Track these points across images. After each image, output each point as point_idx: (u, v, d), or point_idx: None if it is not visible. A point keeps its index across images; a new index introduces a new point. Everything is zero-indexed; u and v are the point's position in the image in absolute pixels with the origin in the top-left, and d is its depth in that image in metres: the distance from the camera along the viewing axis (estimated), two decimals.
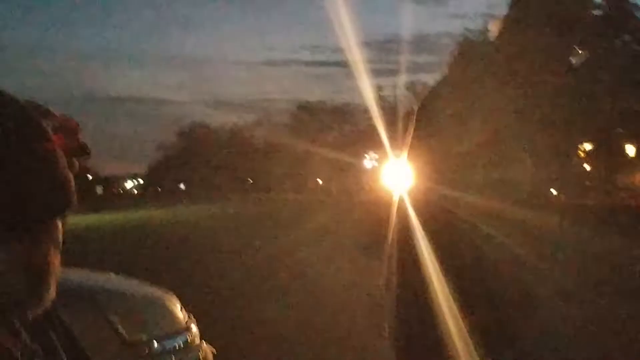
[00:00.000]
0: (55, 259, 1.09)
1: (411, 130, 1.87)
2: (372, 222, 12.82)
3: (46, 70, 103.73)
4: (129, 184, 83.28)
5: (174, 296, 3.74)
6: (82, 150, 1.56)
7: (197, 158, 64.75)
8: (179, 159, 68.13)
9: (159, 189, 72.99)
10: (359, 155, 39.37)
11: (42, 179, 1.15)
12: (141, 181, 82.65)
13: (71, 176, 1.20)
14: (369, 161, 36.88)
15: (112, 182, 77.14)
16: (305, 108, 60.87)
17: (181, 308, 3.66)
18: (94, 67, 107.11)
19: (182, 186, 68.76)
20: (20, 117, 1.23)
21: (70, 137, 1.55)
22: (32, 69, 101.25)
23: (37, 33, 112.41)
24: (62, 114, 1.63)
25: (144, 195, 71.13)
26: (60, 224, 1.12)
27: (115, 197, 62.92)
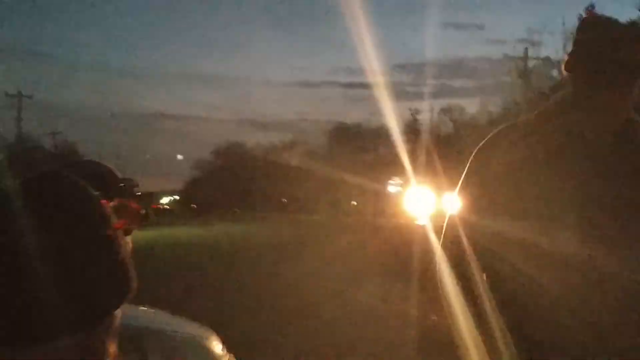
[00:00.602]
0: (112, 348, 1.10)
1: (465, 172, 1.82)
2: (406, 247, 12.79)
3: (88, 85, 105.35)
4: (164, 200, 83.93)
5: (214, 334, 3.77)
6: (143, 221, 1.60)
7: (233, 177, 65.11)
8: (214, 177, 68.60)
9: (194, 207, 73.40)
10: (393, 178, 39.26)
11: (104, 269, 1.16)
12: (177, 197, 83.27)
13: (130, 261, 1.21)
14: (393, 187, 36.46)
15: (148, 199, 77.80)
16: (341, 130, 61.00)
17: (222, 347, 3.69)
18: (135, 84, 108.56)
19: (217, 204, 69.15)
20: (84, 204, 1.24)
21: (133, 219, 1.58)
22: (74, 82, 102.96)
23: (77, 49, 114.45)
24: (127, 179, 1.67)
25: (182, 212, 71.53)
26: (117, 312, 1.13)
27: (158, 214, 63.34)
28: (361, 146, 57.05)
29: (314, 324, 8.25)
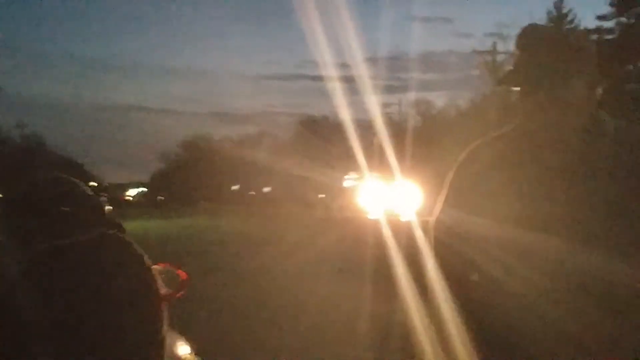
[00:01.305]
0: None
1: (450, 178, 1.94)
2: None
3: (56, 77, 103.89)
4: (132, 192, 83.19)
5: (182, 337, 3.79)
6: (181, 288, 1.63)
7: (200, 169, 64.74)
8: (181, 169, 68.17)
9: (162, 198, 72.90)
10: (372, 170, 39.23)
11: (145, 337, 1.21)
12: (145, 189, 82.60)
13: (165, 337, 1.26)
14: (348, 181, 36.49)
15: (115, 190, 77.08)
16: (309, 122, 60.95)
17: (190, 351, 3.70)
18: (102, 76, 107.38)
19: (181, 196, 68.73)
20: (137, 270, 1.28)
21: (179, 287, 1.63)
22: (43, 74, 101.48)
23: (49, 40, 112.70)
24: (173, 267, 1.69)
25: (148, 204, 70.98)
26: None
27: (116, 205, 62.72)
28: (328, 139, 57.08)
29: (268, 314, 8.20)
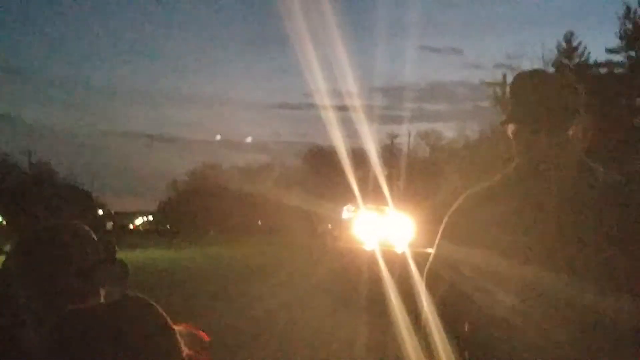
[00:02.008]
0: None
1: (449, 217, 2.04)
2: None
3: (64, 104, 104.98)
4: (138, 221, 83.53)
5: None
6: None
7: (208, 198, 65.01)
8: (189, 197, 68.43)
9: (169, 227, 73.12)
10: (372, 202, 39.48)
11: None
12: (151, 218, 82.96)
13: None
14: (347, 212, 37.38)
15: (122, 218, 77.41)
16: (316, 152, 61.34)
17: None
18: (110, 103, 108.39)
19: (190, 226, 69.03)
20: (165, 338, 1.26)
21: (201, 350, 1.61)
22: (51, 101, 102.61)
23: (57, 67, 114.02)
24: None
25: (153, 233, 71.24)
26: None
27: (126, 234, 63.01)
28: (336, 169, 57.36)
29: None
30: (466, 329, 1.85)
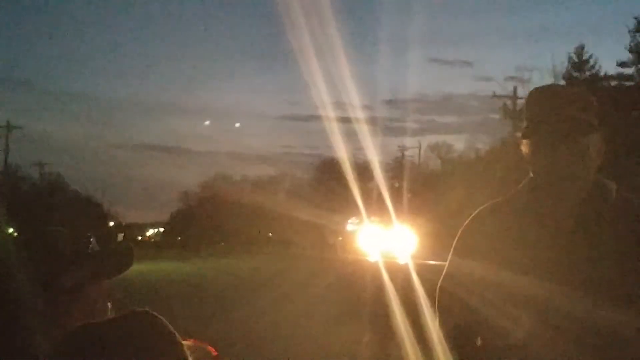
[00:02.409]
0: None
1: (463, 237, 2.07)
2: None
3: (76, 115, 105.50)
4: (149, 233, 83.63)
5: None
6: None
7: (219, 210, 65.02)
8: (200, 209, 68.47)
9: (180, 239, 73.16)
10: (377, 214, 39.44)
11: None
12: (162, 229, 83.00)
13: None
14: (351, 225, 37.69)
15: (134, 230, 77.54)
16: (328, 164, 61.24)
17: None
18: (121, 115, 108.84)
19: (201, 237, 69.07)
20: (173, 353, 1.28)
21: None
22: (62, 113, 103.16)
23: (67, 79, 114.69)
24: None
25: (164, 245, 71.33)
26: None
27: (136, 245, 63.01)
28: (346, 181, 57.26)
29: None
30: (478, 345, 1.84)
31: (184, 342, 1.47)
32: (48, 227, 1.78)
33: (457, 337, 1.86)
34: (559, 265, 1.74)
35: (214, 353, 1.73)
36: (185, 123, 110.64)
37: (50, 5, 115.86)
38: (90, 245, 1.76)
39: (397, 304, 8.45)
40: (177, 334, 1.30)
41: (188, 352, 1.36)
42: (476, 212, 2.01)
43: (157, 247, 64.40)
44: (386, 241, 20.20)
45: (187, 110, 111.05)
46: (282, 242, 58.31)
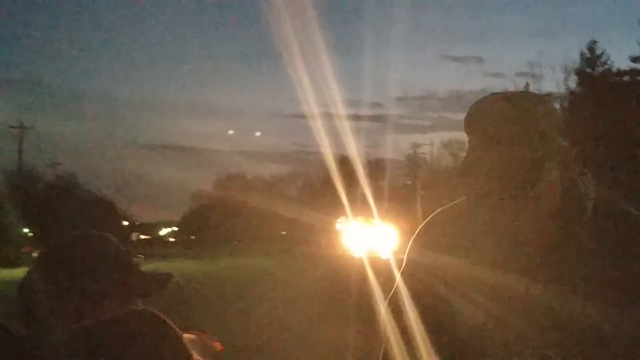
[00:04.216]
0: None
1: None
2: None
3: (90, 115, 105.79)
4: (163, 232, 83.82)
5: None
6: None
7: (233, 208, 65.13)
8: (214, 208, 68.61)
9: (193, 238, 73.32)
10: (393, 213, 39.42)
11: None
12: (176, 229, 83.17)
13: None
14: (339, 224, 38.70)
15: (147, 229, 77.77)
16: (340, 162, 61.24)
17: None
18: (133, 114, 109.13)
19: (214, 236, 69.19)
20: (168, 342, 1.30)
21: (212, 357, 1.66)
22: (75, 113, 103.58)
23: (80, 79, 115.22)
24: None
25: (178, 244, 71.51)
26: None
27: (147, 245, 63.23)
28: (361, 179, 57.13)
29: None
30: (443, 331, 1.77)
31: (189, 336, 1.49)
32: (90, 232, 1.73)
33: (430, 323, 1.79)
34: (535, 260, 1.69)
35: (219, 348, 1.74)
36: (197, 122, 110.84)
37: (63, 5, 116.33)
38: (136, 260, 1.73)
39: (377, 294, 8.74)
40: (177, 330, 1.32)
41: (192, 346, 1.38)
42: (450, 205, 1.91)
43: (170, 246, 64.59)
44: (370, 238, 22.64)
45: (198, 109, 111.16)
46: (296, 241, 58.31)
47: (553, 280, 1.67)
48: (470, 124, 1.77)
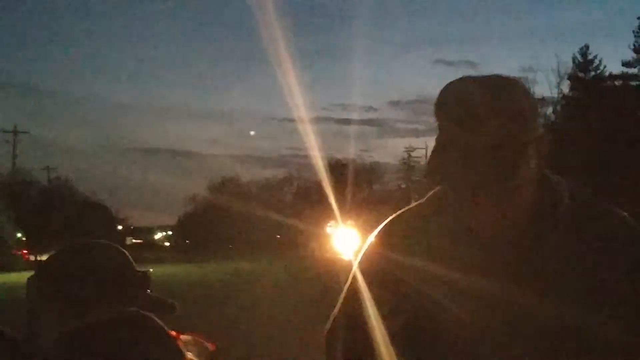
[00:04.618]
0: None
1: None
2: None
3: (83, 119, 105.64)
4: (157, 236, 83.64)
5: None
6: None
7: (227, 213, 64.97)
8: (208, 212, 68.45)
9: (187, 242, 73.15)
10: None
11: None
12: (170, 233, 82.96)
13: None
14: (330, 228, 39.50)
15: (142, 233, 77.65)
16: (335, 166, 61.14)
17: None
18: (127, 118, 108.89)
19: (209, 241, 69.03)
20: (161, 346, 1.32)
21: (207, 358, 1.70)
22: (69, 117, 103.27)
23: (76, 82, 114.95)
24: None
25: (172, 248, 71.33)
26: None
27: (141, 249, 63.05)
28: (355, 183, 57.20)
29: None
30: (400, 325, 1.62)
31: (184, 337, 1.51)
32: (93, 243, 1.68)
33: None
34: (509, 263, 1.53)
35: (212, 348, 1.77)
36: (192, 126, 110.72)
37: (56, 9, 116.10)
38: (141, 273, 1.68)
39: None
40: (166, 330, 1.34)
41: (186, 347, 1.41)
42: (414, 204, 1.73)
43: (164, 250, 64.35)
44: (357, 241, 24.03)
45: (194, 113, 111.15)
46: (290, 244, 58.26)
47: (529, 281, 1.54)
48: (440, 106, 1.55)
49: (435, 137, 1.53)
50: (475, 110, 1.48)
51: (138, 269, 1.70)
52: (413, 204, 1.74)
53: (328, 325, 1.71)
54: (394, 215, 1.74)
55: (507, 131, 1.48)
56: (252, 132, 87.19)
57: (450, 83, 1.56)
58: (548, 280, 1.52)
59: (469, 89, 1.53)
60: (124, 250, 1.69)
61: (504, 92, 1.51)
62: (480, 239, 1.55)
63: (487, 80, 1.54)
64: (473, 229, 1.56)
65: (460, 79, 1.57)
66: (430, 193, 1.69)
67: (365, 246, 1.74)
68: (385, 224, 1.73)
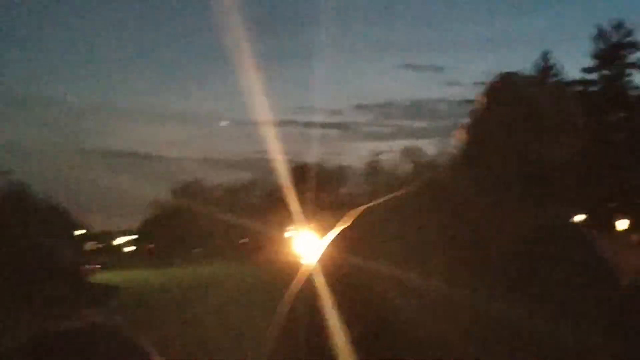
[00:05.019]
0: None
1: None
2: None
3: (43, 121, 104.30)
4: (120, 240, 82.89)
5: None
6: None
7: (191, 216, 64.73)
8: (172, 216, 68.10)
9: (151, 246, 72.69)
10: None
11: None
12: (134, 237, 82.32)
13: None
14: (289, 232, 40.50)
15: (104, 238, 76.87)
16: (301, 169, 61.27)
17: None
18: (90, 121, 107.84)
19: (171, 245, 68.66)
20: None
21: None
22: (29, 119, 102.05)
23: (33, 85, 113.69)
24: None
25: (136, 252, 70.84)
26: None
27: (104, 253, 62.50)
28: (320, 186, 57.34)
29: None
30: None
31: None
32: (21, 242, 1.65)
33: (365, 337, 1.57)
34: (494, 267, 1.53)
35: None
36: (155, 129, 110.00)
37: (9, 10, 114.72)
38: (85, 268, 1.66)
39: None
40: (139, 341, 1.29)
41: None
42: (375, 203, 1.70)
43: (129, 254, 63.92)
44: (316, 245, 24.35)
45: (158, 116, 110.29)
46: (255, 248, 58.21)
47: (517, 291, 1.52)
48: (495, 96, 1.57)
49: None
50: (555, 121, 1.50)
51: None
52: (371, 204, 1.70)
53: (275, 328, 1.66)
54: (351, 214, 1.69)
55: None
56: (223, 123, 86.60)
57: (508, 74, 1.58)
58: (506, 285, 1.51)
59: (533, 88, 1.54)
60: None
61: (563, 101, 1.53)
62: (461, 242, 1.53)
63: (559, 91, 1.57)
64: (457, 235, 1.54)
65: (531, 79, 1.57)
66: (390, 196, 1.68)
67: (324, 248, 1.70)
68: (345, 227, 1.68)
